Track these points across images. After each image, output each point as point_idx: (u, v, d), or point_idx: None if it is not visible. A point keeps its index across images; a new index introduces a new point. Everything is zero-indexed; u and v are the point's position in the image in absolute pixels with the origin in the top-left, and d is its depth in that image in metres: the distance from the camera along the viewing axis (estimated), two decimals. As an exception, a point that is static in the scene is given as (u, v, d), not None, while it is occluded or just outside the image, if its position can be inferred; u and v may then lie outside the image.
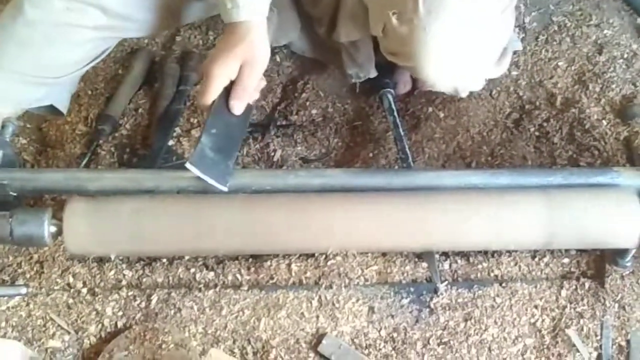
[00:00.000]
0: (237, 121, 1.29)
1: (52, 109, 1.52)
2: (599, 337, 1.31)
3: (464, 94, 1.39)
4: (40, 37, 1.37)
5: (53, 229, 1.26)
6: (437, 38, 1.25)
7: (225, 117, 1.27)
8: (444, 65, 1.29)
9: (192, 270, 1.41)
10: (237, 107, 1.27)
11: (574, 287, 1.37)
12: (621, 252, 1.35)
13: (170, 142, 1.60)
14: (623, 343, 1.31)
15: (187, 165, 1.21)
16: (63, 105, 1.55)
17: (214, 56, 1.24)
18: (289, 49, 1.77)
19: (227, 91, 1.26)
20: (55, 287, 1.38)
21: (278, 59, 1.78)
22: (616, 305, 1.34)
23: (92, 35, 1.41)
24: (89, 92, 1.72)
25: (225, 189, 1.25)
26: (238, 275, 1.40)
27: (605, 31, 1.80)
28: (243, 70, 1.25)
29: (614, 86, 1.68)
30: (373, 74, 1.60)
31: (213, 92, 1.24)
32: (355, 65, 1.59)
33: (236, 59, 1.23)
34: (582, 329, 1.33)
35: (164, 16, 1.46)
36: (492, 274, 1.41)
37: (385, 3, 1.31)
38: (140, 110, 1.69)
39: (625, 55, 1.75)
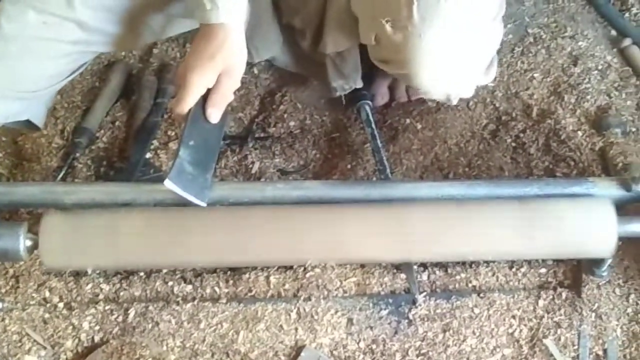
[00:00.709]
0: (214, 130, 1.27)
1: (28, 123, 1.52)
2: (576, 347, 1.32)
3: (454, 101, 1.40)
4: (16, 51, 1.36)
5: (29, 243, 1.25)
6: (432, 44, 1.26)
7: (201, 127, 1.24)
8: (438, 71, 1.30)
9: (170, 283, 1.40)
10: (215, 115, 1.25)
11: (551, 297, 1.38)
12: (597, 262, 1.36)
13: (148, 155, 1.60)
14: (600, 352, 1.32)
15: (166, 182, 1.17)
16: (39, 120, 1.54)
17: (191, 64, 1.21)
18: (269, 62, 1.77)
19: (203, 99, 1.23)
20: (31, 302, 1.37)
21: (256, 71, 1.78)
22: (593, 314, 1.35)
23: (69, 50, 1.41)
24: (66, 105, 1.71)
25: (204, 204, 1.23)
26: (216, 288, 1.39)
27: (580, 43, 1.82)
28: (221, 77, 1.22)
29: (589, 97, 1.70)
30: (359, 84, 1.59)
31: (190, 101, 1.21)
32: (341, 76, 1.58)
33: (215, 67, 1.21)
34: (560, 339, 1.33)
35: (141, 31, 1.45)
36: (470, 285, 1.41)
37: (377, 11, 1.31)
38: (117, 123, 1.69)
39: (600, 67, 1.77)
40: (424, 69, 1.29)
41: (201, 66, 1.20)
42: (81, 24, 1.35)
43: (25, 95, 1.43)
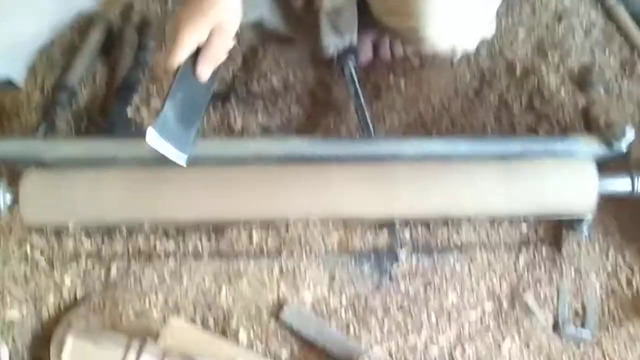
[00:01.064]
0: (202, 89, 1.23)
1: (7, 84, 1.50)
2: (555, 302, 1.34)
3: (458, 55, 1.40)
4: None
5: (8, 198, 1.24)
6: None
7: (189, 84, 1.21)
8: (446, 23, 1.28)
9: (152, 239, 1.40)
10: (205, 72, 1.21)
11: (531, 253, 1.39)
12: (578, 219, 1.37)
13: (129, 111, 1.58)
14: (579, 308, 1.34)
15: (147, 135, 1.13)
16: (19, 78, 1.53)
17: (182, 17, 1.16)
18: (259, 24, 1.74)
19: (193, 56, 1.20)
20: (13, 258, 1.36)
21: (238, 28, 1.75)
22: (572, 270, 1.37)
23: (51, 7, 1.38)
24: (45, 61, 1.68)
25: (184, 163, 1.19)
26: (199, 245, 1.39)
27: (565, 0, 1.81)
28: (214, 33, 1.19)
29: (572, 55, 1.69)
30: (355, 40, 1.55)
31: (180, 56, 1.17)
32: (336, 33, 1.55)
33: (208, 23, 1.17)
34: (540, 294, 1.35)
35: None
36: (451, 242, 1.42)
37: None
38: (98, 79, 1.66)
39: (584, 24, 1.76)
40: (433, 20, 1.27)
41: (193, 20, 1.16)
42: None
43: (2, 52, 1.41)
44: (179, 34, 1.16)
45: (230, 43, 1.23)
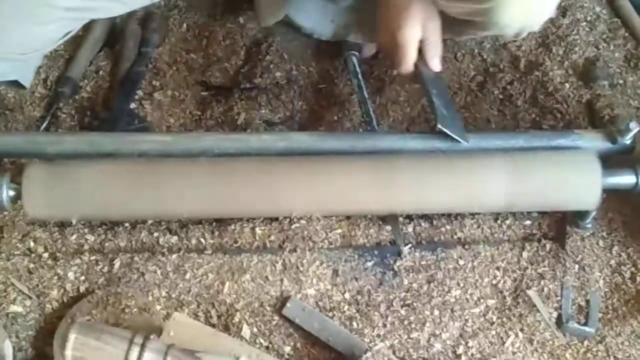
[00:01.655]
0: (439, 77, 1.38)
1: (14, 82, 1.51)
2: (559, 298, 1.33)
3: (522, 36, 1.40)
4: (8, 14, 1.35)
5: (12, 193, 1.24)
6: None
7: (430, 76, 1.34)
8: (524, 4, 1.26)
9: (156, 234, 1.40)
10: (436, 62, 1.35)
11: (535, 248, 1.39)
12: (582, 214, 1.36)
13: (132, 105, 1.58)
14: (583, 303, 1.33)
15: (439, 127, 1.28)
16: (27, 80, 1.54)
17: (393, 26, 1.29)
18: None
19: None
20: (16, 252, 1.36)
21: (242, 21, 1.75)
22: (576, 266, 1.36)
23: (61, 15, 1.40)
24: (49, 54, 1.67)
25: (467, 142, 1.31)
26: (202, 239, 1.39)
27: (565, -9, 1.81)
28: (427, 26, 1.30)
29: (577, 49, 1.69)
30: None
31: (412, 58, 1.32)
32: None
33: (419, 19, 1.28)
34: (543, 290, 1.35)
35: None
36: (455, 237, 1.42)
37: None
38: (101, 72, 1.66)
39: (589, 18, 1.75)
40: (509, 1, 1.23)
41: (409, 21, 1.28)
42: None
43: (14, 57, 1.43)
44: (404, 39, 1.29)
45: (439, 24, 1.33)
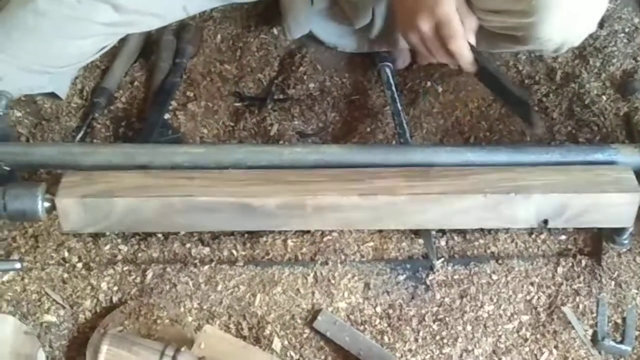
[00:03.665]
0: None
1: (50, 93, 1.53)
2: (594, 315, 1.31)
3: (563, 51, 1.37)
4: (48, 28, 1.37)
5: (47, 203, 1.25)
6: None
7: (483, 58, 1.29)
8: (565, 18, 1.24)
9: (188, 245, 1.40)
10: (472, 37, 1.29)
11: (570, 264, 1.37)
12: (618, 230, 1.34)
13: (166, 116, 1.59)
14: (619, 320, 1.31)
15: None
16: (63, 92, 1.57)
17: (444, 12, 1.22)
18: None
19: None
20: (50, 262, 1.38)
21: (275, 32, 1.75)
22: (612, 282, 1.34)
23: (100, 30, 1.43)
24: (85, 65, 1.70)
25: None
26: (234, 251, 1.39)
27: (607, 5, 1.77)
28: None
29: (614, 61, 1.66)
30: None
31: (463, 33, 1.24)
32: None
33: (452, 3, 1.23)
34: (578, 307, 1.33)
35: (176, 8, 1.45)
36: (488, 251, 1.40)
37: None
38: (136, 83, 1.68)
39: (627, 30, 1.73)
40: (553, 16, 1.23)
41: (450, 8, 1.22)
42: (116, 6, 1.37)
43: (51, 70, 1.47)
44: (444, 14, 1.21)
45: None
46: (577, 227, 1.38)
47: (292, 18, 1.58)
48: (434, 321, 1.31)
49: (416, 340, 1.30)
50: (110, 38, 1.48)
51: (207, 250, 1.40)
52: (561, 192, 1.24)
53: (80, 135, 1.57)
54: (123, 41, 1.71)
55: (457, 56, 1.25)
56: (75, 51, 1.44)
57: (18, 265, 1.35)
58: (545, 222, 1.25)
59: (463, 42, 1.23)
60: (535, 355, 1.28)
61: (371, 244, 1.39)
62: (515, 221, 1.27)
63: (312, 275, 1.35)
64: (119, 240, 1.41)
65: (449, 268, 1.37)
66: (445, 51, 1.26)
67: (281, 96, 1.65)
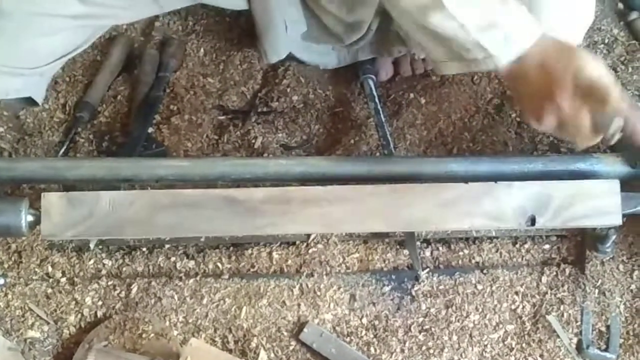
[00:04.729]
0: None
1: (27, 99, 1.52)
2: (579, 323, 1.32)
3: None
4: (15, 27, 1.35)
5: (30, 218, 1.24)
6: None
7: None
8: (562, 15, 1.24)
9: (173, 259, 1.40)
10: None
11: (554, 273, 1.38)
12: (601, 238, 1.35)
13: (150, 130, 1.59)
14: (603, 329, 1.32)
15: None
16: (39, 96, 1.55)
17: (580, 63, 1.08)
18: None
19: None
20: (34, 277, 1.37)
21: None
22: (596, 291, 1.35)
23: (69, 24, 1.40)
24: (67, 79, 1.69)
25: None
26: (219, 264, 1.39)
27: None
28: None
29: (594, 72, 1.67)
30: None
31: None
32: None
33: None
34: (563, 315, 1.33)
35: (145, 3, 1.44)
36: (473, 261, 1.41)
37: None
38: (119, 97, 1.67)
39: (606, 41, 1.75)
40: (550, 15, 1.21)
41: (587, 56, 1.10)
42: None
43: (25, 72, 1.44)
44: (599, 77, 1.08)
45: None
46: (566, 226, 1.35)
47: (268, 43, 1.57)
48: (420, 332, 1.32)
49: (402, 350, 1.30)
50: (80, 33, 1.45)
51: (192, 263, 1.39)
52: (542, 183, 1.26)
53: (63, 150, 1.56)
54: (106, 55, 1.71)
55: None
56: (45, 49, 1.42)
57: (1, 281, 1.34)
58: (533, 220, 1.25)
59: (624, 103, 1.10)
60: (521, 364, 1.29)
61: (356, 255, 1.39)
62: (501, 217, 1.27)
63: (297, 287, 1.35)
64: (104, 255, 1.40)
65: (434, 278, 1.37)
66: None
67: (265, 109, 1.66)
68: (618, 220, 1.25)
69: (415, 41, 1.16)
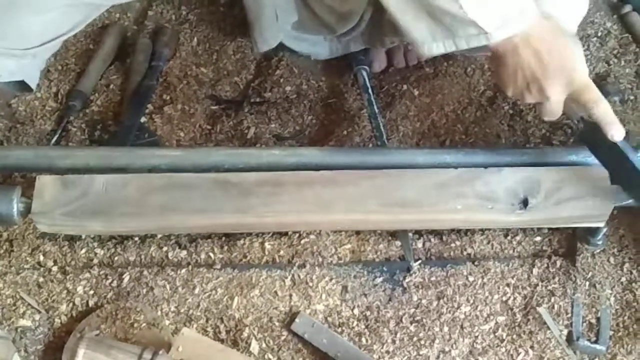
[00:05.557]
0: None
1: (20, 85, 1.51)
2: (569, 315, 1.32)
3: None
4: (4, 5, 1.35)
5: (22, 207, 1.24)
6: None
7: None
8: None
9: (165, 248, 1.40)
10: None
11: (545, 265, 1.38)
12: (592, 231, 1.36)
13: (143, 119, 1.58)
14: (593, 320, 1.32)
15: None
16: (33, 81, 1.54)
17: (573, 65, 1.17)
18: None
19: None
20: (26, 266, 1.37)
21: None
22: (587, 283, 1.36)
23: (61, 3, 1.39)
24: (59, 68, 1.69)
25: None
26: (211, 254, 1.39)
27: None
28: None
29: (587, 64, 1.67)
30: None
31: None
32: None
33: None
34: (553, 307, 1.34)
35: None
36: (465, 253, 1.41)
37: None
38: (111, 86, 1.67)
39: (599, 34, 1.75)
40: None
41: (579, 59, 1.19)
42: None
43: (17, 53, 1.42)
44: (584, 80, 1.18)
45: None
46: (560, 211, 1.30)
47: (258, 33, 1.57)
48: (411, 323, 1.32)
49: (393, 341, 1.30)
50: (71, 13, 1.44)
51: (184, 253, 1.39)
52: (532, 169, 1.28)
53: (55, 138, 1.56)
54: (98, 44, 1.71)
55: (601, 119, 1.20)
56: (36, 27, 1.41)
57: (-8, 270, 1.34)
58: (525, 202, 1.26)
59: (607, 109, 1.19)
60: (512, 355, 1.29)
61: (348, 246, 1.39)
62: (493, 198, 1.27)
63: (289, 277, 1.35)
64: (95, 244, 1.40)
65: (426, 270, 1.37)
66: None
67: (258, 99, 1.65)
68: (611, 203, 1.26)
69: (400, 20, 1.16)
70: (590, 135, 1.25)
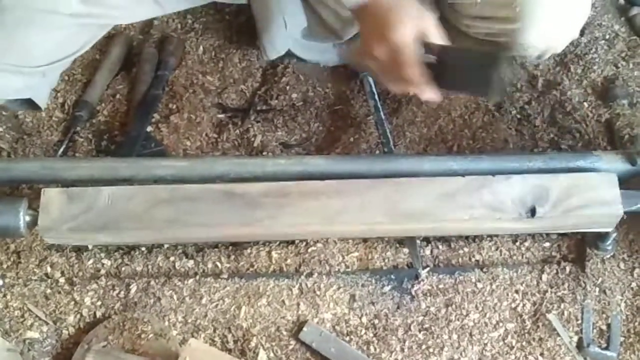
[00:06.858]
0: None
1: (29, 103, 1.52)
2: (579, 321, 1.32)
3: (545, 58, 1.41)
4: (13, 22, 1.35)
5: (29, 218, 1.24)
6: None
7: None
8: (550, 24, 1.28)
9: (172, 258, 1.40)
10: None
11: (554, 271, 1.37)
12: (602, 236, 1.35)
13: (149, 129, 1.58)
14: (604, 327, 1.31)
15: None
16: (42, 100, 1.55)
17: (391, 23, 1.17)
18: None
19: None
20: (33, 278, 1.37)
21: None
22: (597, 289, 1.35)
23: (67, 22, 1.40)
24: (66, 78, 1.69)
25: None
26: (218, 264, 1.39)
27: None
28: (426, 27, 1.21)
29: (595, 67, 1.67)
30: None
31: (415, 63, 1.19)
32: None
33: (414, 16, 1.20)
34: (563, 314, 1.33)
35: (146, 3, 1.44)
36: (473, 259, 1.40)
37: None
38: (118, 96, 1.67)
39: (607, 37, 1.74)
40: (537, 22, 1.27)
41: (399, 18, 1.18)
42: None
43: (24, 70, 1.43)
44: (405, 56, 1.18)
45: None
46: (569, 219, 1.29)
47: (267, 40, 1.58)
48: (419, 330, 1.31)
49: (402, 349, 1.29)
50: (80, 33, 1.45)
51: (191, 263, 1.39)
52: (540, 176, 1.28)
53: (62, 149, 1.56)
54: (105, 54, 1.71)
55: (411, 83, 1.21)
56: (44, 46, 1.42)
57: (0, 282, 1.34)
58: (533, 211, 1.25)
59: (417, 69, 1.19)
60: (522, 362, 1.29)
61: (356, 254, 1.39)
62: (501, 208, 1.26)
63: (297, 286, 1.35)
64: (102, 255, 1.40)
65: (434, 277, 1.37)
66: (399, 78, 1.22)
67: (264, 107, 1.65)
68: (619, 211, 1.25)
69: None
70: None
